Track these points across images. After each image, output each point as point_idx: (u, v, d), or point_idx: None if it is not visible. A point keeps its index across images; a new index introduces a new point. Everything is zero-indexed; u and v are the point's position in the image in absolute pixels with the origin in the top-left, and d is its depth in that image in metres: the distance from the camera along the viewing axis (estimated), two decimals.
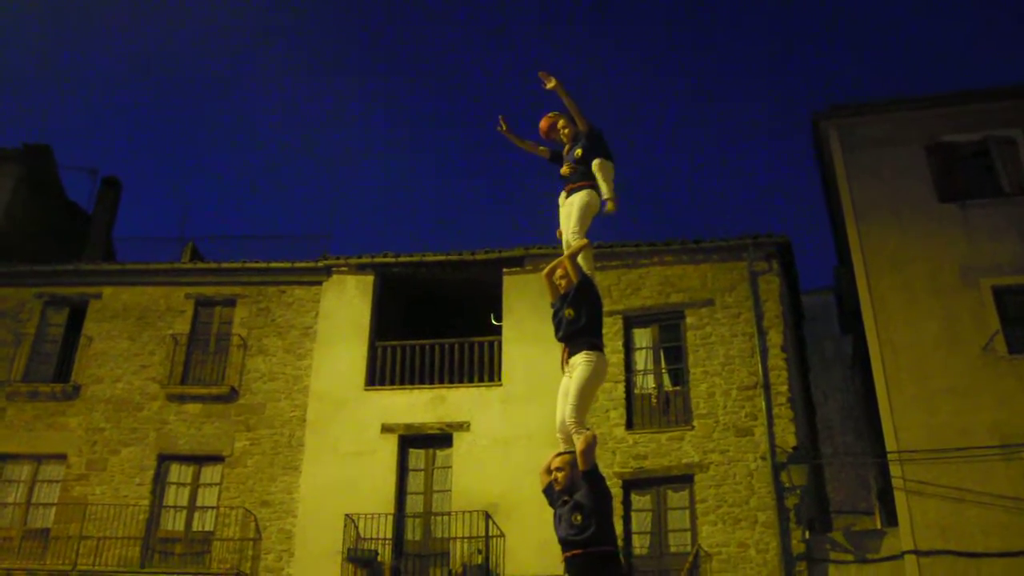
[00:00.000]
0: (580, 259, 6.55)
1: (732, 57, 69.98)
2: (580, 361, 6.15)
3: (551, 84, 6.97)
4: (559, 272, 6.56)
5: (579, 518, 5.49)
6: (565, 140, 7.25)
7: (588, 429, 5.79)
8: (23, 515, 19.27)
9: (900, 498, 16.79)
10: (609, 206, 6.80)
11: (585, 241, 6.64)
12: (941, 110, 19.84)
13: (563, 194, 7.13)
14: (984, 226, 18.43)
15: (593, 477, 5.61)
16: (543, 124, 7.37)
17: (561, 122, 7.28)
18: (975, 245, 18.24)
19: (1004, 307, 17.67)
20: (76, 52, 63.35)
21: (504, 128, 7.43)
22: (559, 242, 7.02)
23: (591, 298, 6.41)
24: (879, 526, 21.66)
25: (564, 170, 7.12)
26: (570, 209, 6.93)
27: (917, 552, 16.22)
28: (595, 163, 6.88)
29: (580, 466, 5.61)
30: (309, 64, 69.84)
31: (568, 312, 6.34)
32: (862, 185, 19.40)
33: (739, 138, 69.65)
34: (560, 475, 5.70)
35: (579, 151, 7.04)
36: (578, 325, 6.29)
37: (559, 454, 5.87)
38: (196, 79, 67.35)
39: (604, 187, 6.83)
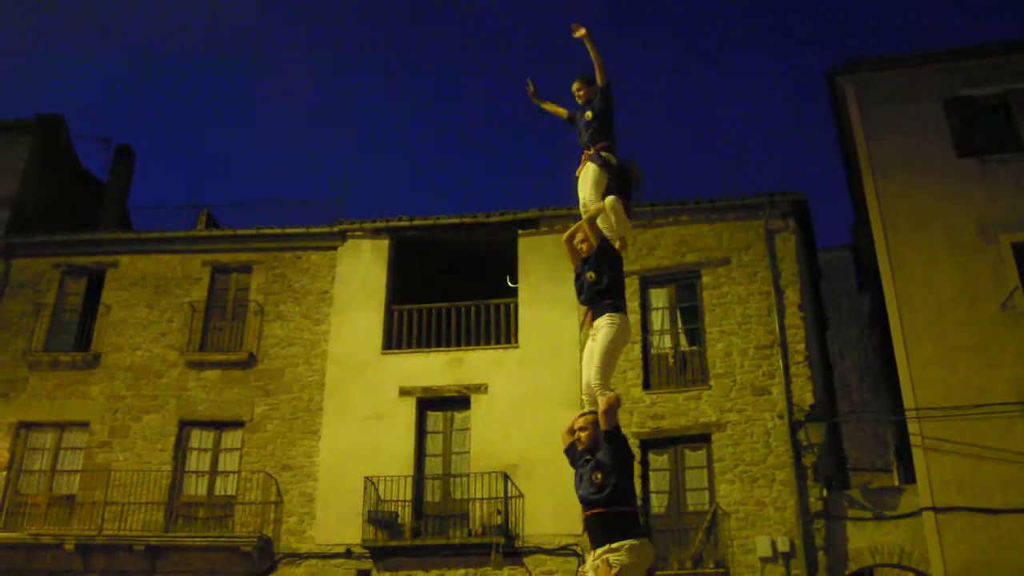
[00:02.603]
0: (601, 221, 6.56)
1: (748, 11, 69.15)
2: (604, 323, 6.20)
3: (580, 32, 7.02)
4: (579, 236, 6.57)
5: (599, 476, 5.55)
6: (580, 102, 7.27)
7: (612, 390, 5.84)
8: (48, 482, 19.56)
9: (918, 455, 16.80)
10: (617, 245, 6.64)
11: (602, 204, 6.65)
12: (959, 64, 19.53)
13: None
14: (1003, 181, 18.23)
15: (615, 437, 5.66)
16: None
17: (576, 85, 7.29)
18: (994, 201, 18.05)
19: (1023, 263, 17.51)
20: (88, 20, 63.14)
21: (532, 90, 7.57)
22: (575, 203, 7.04)
23: (612, 261, 6.43)
24: (897, 483, 21.73)
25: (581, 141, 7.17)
26: (586, 172, 6.94)
27: (935, 509, 16.27)
28: (608, 201, 6.70)
29: (602, 426, 5.65)
30: (322, 31, 69.45)
31: (590, 275, 6.38)
32: (879, 141, 19.19)
33: (755, 95, 69.03)
34: (583, 435, 5.75)
35: (589, 113, 7.08)
36: (600, 288, 6.32)
37: (582, 414, 5.93)
38: (209, 46, 67.11)
39: (616, 223, 6.66)
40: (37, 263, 21.51)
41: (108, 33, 63.68)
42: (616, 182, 6.83)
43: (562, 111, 7.46)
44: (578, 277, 6.54)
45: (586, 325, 6.41)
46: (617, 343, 6.19)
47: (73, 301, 21.32)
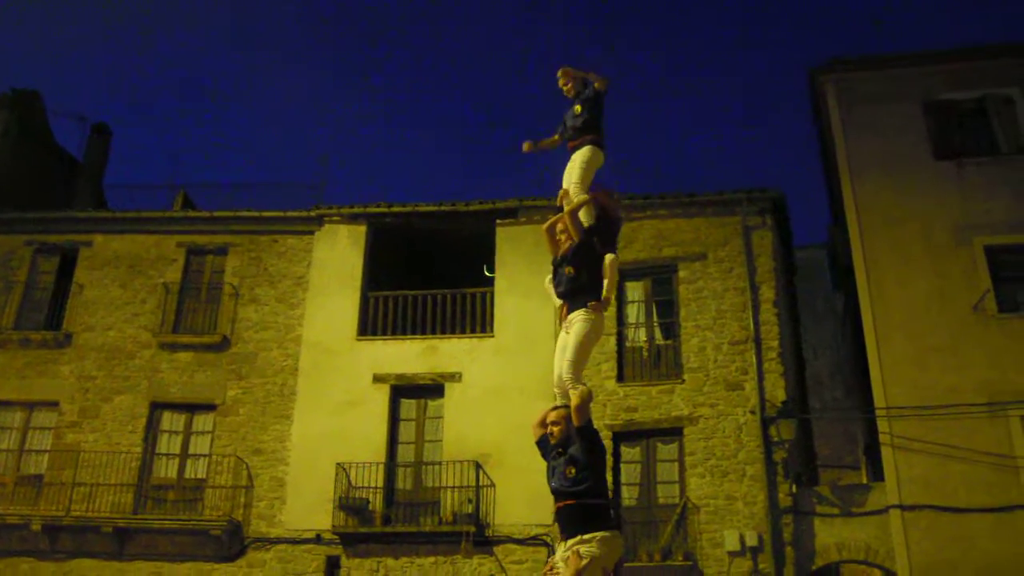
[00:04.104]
0: (581, 215, 6.55)
1: (730, 8, 69.30)
2: (578, 318, 6.19)
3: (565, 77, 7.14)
4: (560, 227, 6.55)
5: (573, 471, 5.57)
6: (566, 93, 7.24)
7: (584, 385, 5.84)
8: (16, 461, 19.36)
9: (887, 453, 16.97)
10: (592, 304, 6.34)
11: (586, 197, 6.62)
12: (940, 67, 19.69)
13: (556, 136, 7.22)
14: (979, 185, 18.39)
15: (587, 432, 5.67)
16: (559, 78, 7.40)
17: (562, 79, 7.24)
18: (969, 203, 18.22)
19: (996, 266, 17.70)
20: None
21: (528, 146, 7.36)
22: (554, 194, 7.02)
23: (592, 256, 6.41)
24: (865, 481, 21.95)
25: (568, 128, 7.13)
26: (572, 164, 6.91)
27: (902, 506, 16.46)
28: (608, 259, 6.57)
29: (575, 421, 5.66)
30: (303, 13, 68.93)
31: (568, 269, 6.36)
32: (858, 141, 19.32)
33: (735, 91, 69.25)
34: (556, 429, 5.76)
35: (579, 107, 7.06)
36: (578, 282, 6.31)
37: (555, 408, 5.93)
38: (187, 26, 66.44)
39: (605, 282, 6.49)
40: (9, 240, 21.27)
41: (86, 10, 62.95)
42: (598, 223, 6.75)
43: (555, 139, 7.32)
44: (556, 269, 6.53)
45: (562, 319, 6.40)
46: (591, 338, 6.19)
47: (45, 279, 21.09)
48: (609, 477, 16.19)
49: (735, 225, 19.15)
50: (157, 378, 19.76)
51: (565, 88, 7.22)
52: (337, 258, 20.49)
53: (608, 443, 17.03)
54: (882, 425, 17.21)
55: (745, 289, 18.54)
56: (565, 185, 6.88)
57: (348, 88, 72.06)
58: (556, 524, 5.82)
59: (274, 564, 18.13)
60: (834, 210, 22.08)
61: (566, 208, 6.59)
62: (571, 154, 7.01)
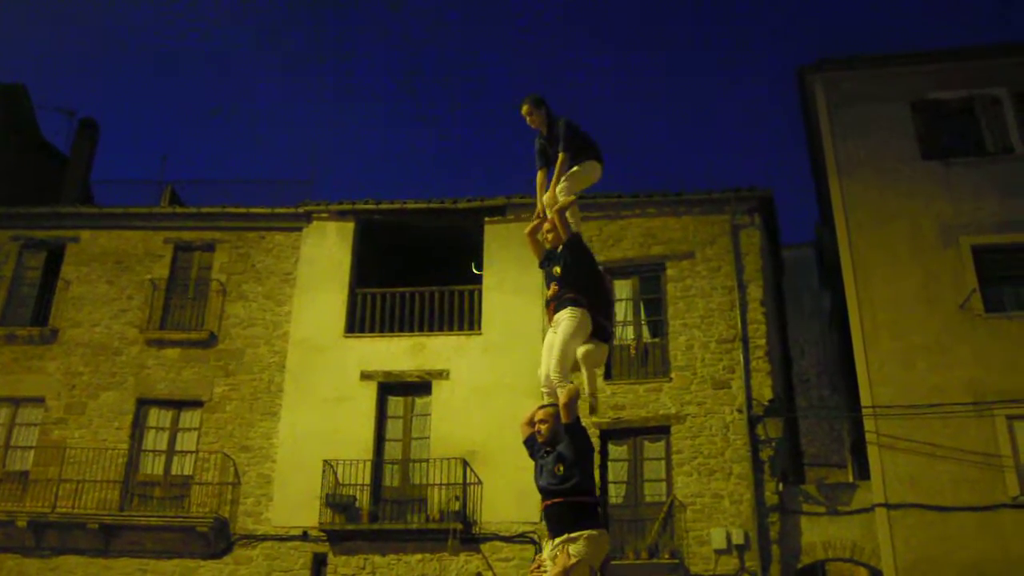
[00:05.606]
0: (570, 215, 6.52)
1: (718, 7, 69.37)
2: (564, 316, 6.19)
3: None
4: (546, 227, 6.54)
5: (561, 469, 5.57)
6: (531, 125, 6.92)
7: (571, 383, 5.84)
8: (1, 458, 19.27)
9: (873, 452, 17.04)
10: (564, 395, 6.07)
11: (573, 197, 6.59)
12: (928, 67, 19.78)
13: (540, 173, 6.93)
14: (966, 184, 18.47)
15: (575, 430, 5.68)
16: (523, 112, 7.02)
17: (525, 108, 6.89)
18: (956, 203, 18.30)
19: (982, 266, 17.78)
20: None
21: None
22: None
23: (579, 255, 6.41)
24: (851, 479, 22.01)
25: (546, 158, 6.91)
26: (563, 171, 6.75)
27: (888, 505, 16.53)
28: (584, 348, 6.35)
29: (563, 419, 5.66)
30: (291, 8, 68.70)
31: (556, 269, 6.36)
32: (846, 140, 19.38)
33: (724, 90, 69.34)
34: (543, 427, 5.75)
35: (561, 154, 6.70)
36: (565, 281, 6.30)
37: (542, 407, 5.92)
38: (175, 20, 66.13)
39: (590, 374, 6.37)
40: None
41: (74, 4, 62.58)
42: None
43: (548, 193, 6.82)
44: (541, 265, 6.53)
45: (549, 317, 6.38)
46: (577, 336, 6.17)
47: (32, 275, 20.99)
48: (597, 475, 16.19)
49: (723, 224, 19.20)
50: (144, 374, 19.69)
51: (528, 119, 6.88)
52: (325, 255, 20.46)
53: (596, 441, 17.04)
54: (868, 424, 17.29)
55: (733, 288, 18.59)
56: (550, 191, 6.70)
57: (337, 85, 71.88)
58: (544, 522, 5.81)
59: (260, 561, 18.10)
60: (822, 209, 22.14)
61: (551, 209, 6.54)
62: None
